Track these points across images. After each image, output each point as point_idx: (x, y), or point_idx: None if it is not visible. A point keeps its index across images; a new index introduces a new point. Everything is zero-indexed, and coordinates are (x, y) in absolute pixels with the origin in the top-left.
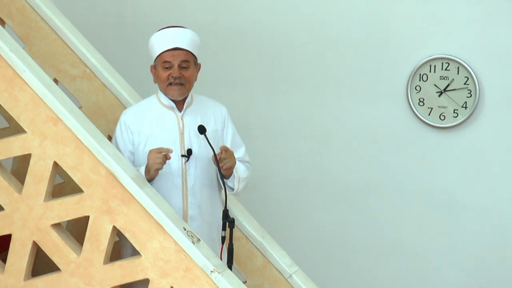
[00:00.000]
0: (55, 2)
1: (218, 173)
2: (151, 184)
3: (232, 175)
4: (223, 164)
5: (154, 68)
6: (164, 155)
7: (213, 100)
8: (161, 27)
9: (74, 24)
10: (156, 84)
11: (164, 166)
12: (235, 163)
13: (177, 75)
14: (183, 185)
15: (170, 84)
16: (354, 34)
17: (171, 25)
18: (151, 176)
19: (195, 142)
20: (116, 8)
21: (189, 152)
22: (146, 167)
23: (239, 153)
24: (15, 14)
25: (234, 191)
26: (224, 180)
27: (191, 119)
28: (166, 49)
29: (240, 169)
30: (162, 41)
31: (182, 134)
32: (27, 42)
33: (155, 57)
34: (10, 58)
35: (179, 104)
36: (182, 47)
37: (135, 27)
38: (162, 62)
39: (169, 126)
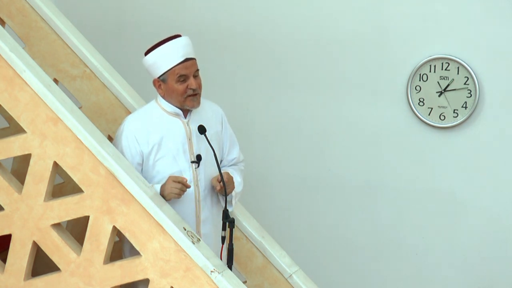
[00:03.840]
0: (55, 2)
1: (221, 194)
2: None
3: (230, 195)
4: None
5: (162, 82)
6: (183, 185)
7: (209, 101)
8: (157, 43)
9: (74, 24)
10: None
11: (177, 175)
12: (233, 188)
13: (195, 87)
14: (195, 191)
15: (188, 95)
16: (354, 34)
17: (168, 38)
18: (166, 199)
19: (203, 147)
20: (116, 8)
21: (199, 157)
22: (162, 190)
23: (234, 153)
24: (15, 14)
25: (232, 208)
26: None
27: (196, 124)
28: (177, 62)
29: (236, 182)
30: (169, 55)
31: (190, 140)
32: (27, 42)
33: (163, 72)
34: (10, 58)
35: (184, 110)
36: (190, 56)
37: (135, 27)
38: (177, 76)
39: (177, 133)
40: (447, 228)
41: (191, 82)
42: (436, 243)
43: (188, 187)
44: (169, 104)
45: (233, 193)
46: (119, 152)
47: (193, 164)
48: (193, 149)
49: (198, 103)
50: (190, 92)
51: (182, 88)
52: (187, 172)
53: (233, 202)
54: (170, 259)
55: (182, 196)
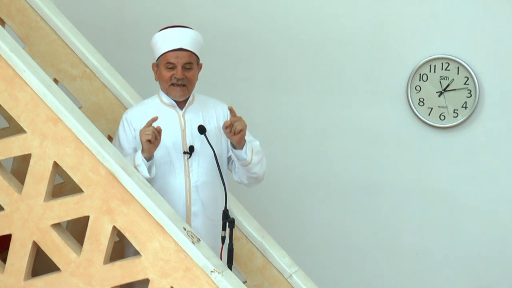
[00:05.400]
0: (55, 2)
1: (230, 143)
2: (152, 179)
3: (245, 144)
4: (234, 127)
5: (156, 66)
6: (154, 128)
7: (214, 99)
8: (165, 26)
9: (74, 24)
10: (158, 82)
11: (167, 164)
12: (246, 125)
13: (180, 77)
14: (186, 182)
15: (172, 84)
16: (354, 34)
17: (175, 25)
18: (147, 153)
19: (197, 139)
20: (116, 8)
21: (191, 149)
22: (142, 147)
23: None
24: (15, 14)
25: (248, 161)
26: (237, 152)
27: (192, 116)
28: (170, 49)
29: (253, 143)
30: (166, 40)
31: (184, 131)
32: (27, 42)
33: (158, 56)
34: (10, 58)
35: (181, 103)
36: (186, 48)
37: (135, 27)
38: (165, 63)
39: (171, 124)
40: (447, 228)
41: (177, 71)
42: (436, 243)
43: (159, 130)
44: (166, 96)
45: (248, 147)
46: (118, 141)
47: (185, 155)
48: (186, 140)
49: (182, 95)
50: (174, 81)
51: (168, 75)
52: (178, 162)
53: (249, 154)
54: (170, 259)
55: (171, 186)
